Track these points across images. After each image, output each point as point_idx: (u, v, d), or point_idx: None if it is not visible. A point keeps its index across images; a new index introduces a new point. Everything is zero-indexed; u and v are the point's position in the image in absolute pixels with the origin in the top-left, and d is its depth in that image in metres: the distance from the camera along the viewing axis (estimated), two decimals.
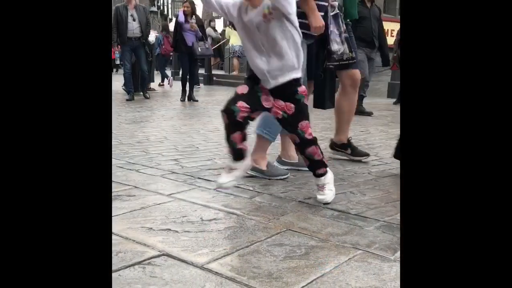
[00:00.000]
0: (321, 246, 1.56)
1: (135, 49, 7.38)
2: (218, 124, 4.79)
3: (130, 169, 2.65)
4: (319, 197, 2.05)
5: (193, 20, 7.19)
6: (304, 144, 2.00)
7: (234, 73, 12.31)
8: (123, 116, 5.33)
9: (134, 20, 7.27)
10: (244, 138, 2.03)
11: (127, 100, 7.23)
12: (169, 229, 1.70)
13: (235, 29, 9.10)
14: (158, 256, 1.46)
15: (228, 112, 1.95)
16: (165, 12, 22.41)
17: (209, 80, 11.82)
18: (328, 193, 2.05)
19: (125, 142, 3.64)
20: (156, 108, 6.36)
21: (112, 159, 2.92)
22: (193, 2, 7.52)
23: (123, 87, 7.77)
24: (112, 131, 4.13)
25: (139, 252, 1.49)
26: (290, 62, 1.88)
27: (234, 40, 11.73)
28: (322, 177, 2.06)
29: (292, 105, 1.93)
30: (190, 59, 7.36)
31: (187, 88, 7.53)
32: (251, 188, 2.28)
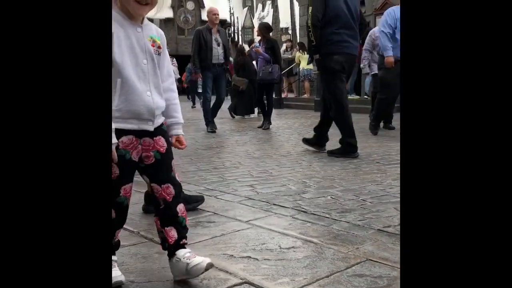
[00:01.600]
0: None
1: (216, 76, 6.63)
2: (291, 148, 4.83)
3: (209, 195, 2.75)
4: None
5: (257, 45, 7.02)
6: (178, 195, 1.54)
7: (305, 96, 12.36)
8: (200, 142, 5.55)
9: (218, 45, 6.54)
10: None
11: (209, 132, 6.50)
12: (249, 257, 1.74)
13: (305, 52, 9.06)
14: (241, 284, 1.50)
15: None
16: (236, 39, 23.21)
17: (279, 104, 11.97)
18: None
19: (203, 168, 3.79)
20: (229, 134, 6.54)
21: (192, 185, 3.06)
22: (263, 27, 7.23)
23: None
24: (190, 157, 4.32)
25: (222, 279, 1.54)
26: None
27: (304, 63, 11.83)
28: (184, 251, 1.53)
29: (163, 140, 1.54)
30: (261, 85, 7.11)
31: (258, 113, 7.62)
32: (327, 216, 2.28)
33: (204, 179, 3.28)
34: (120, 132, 1.41)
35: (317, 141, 4.49)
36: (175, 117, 1.59)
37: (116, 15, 1.41)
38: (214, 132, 6.50)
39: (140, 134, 1.45)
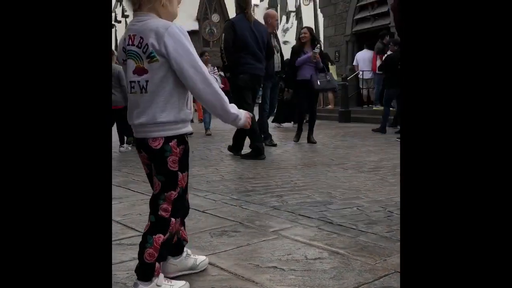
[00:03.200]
0: None
1: (272, 86, 6.15)
2: (316, 158, 4.81)
3: (234, 205, 2.77)
4: None
5: (317, 50, 5.91)
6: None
7: (329, 107, 12.30)
8: (224, 152, 5.58)
9: (277, 51, 6.03)
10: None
11: (267, 145, 5.69)
12: (276, 267, 1.74)
13: (331, 63, 8.75)
14: None
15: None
16: None
17: None
18: None
19: (228, 178, 3.81)
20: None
21: (218, 194, 3.08)
22: (312, 29, 6.43)
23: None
24: (215, 167, 4.35)
25: None
26: None
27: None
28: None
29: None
30: (308, 94, 6.13)
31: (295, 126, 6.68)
32: (354, 227, 2.25)
33: (229, 189, 3.30)
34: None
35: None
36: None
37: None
38: (275, 145, 5.91)
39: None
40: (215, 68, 8.52)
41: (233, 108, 1.48)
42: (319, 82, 6.02)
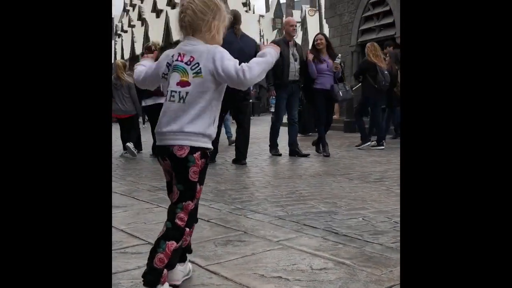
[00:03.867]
0: None
1: (290, 95, 5.86)
2: (320, 169, 4.80)
3: (239, 214, 2.76)
4: None
5: (338, 60, 5.76)
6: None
7: (334, 116, 12.28)
8: (228, 161, 5.58)
9: (296, 60, 5.77)
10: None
11: (273, 155, 5.91)
12: (280, 277, 1.73)
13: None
14: None
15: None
16: None
17: None
18: None
19: (232, 187, 3.80)
20: (257, 154, 6.52)
21: (223, 204, 3.07)
22: (326, 35, 6.33)
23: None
24: (220, 176, 4.35)
25: None
26: None
27: None
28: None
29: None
30: (327, 104, 5.98)
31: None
32: (359, 237, 2.24)
33: (235, 198, 3.29)
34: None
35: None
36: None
37: None
38: (280, 155, 5.93)
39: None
40: None
41: (264, 55, 1.65)
42: (341, 93, 5.87)
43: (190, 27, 1.62)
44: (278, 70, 5.50)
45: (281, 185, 3.87)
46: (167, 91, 1.61)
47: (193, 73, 1.58)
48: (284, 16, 32.47)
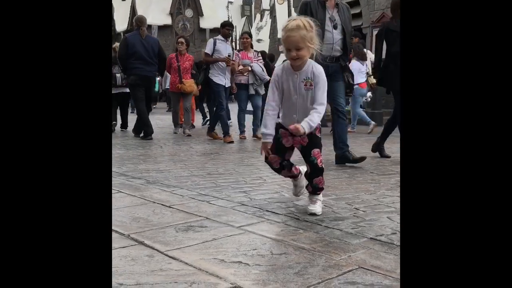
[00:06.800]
0: (395, 286, 1.51)
1: (329, 76, 3.62)
2: None
3: (202, 200, 2.74)
4: (311, 208, 2.45)
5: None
6: (314, 173, 2.48)
7: None
8: (194, 148, 5.54)
9: (335, 27, 4.09)
10: (290, 168, 2.62)
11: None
12: (240, 262, 1.72)
13: None
14: None
15: (268, 163, 2.59)
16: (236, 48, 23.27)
17: None
18: (319, 207, 2.47)
19: (197, 173, 3.77)
20: (220, 142, 6.49)
21: (185, 190, 3.04)
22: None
23: None
24: (184, 163, 4.30)
25: (212, 283, 1.52)
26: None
27: None
28: (317, 195, 2.51)
29: (306, 138, 2.45)
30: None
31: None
32: (320, 223, 2.26)
33: (198, 184, 3.27)
34: (281, 126, 2.48)
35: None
36: (305, 120, 2.33)
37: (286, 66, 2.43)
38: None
39: (291, 134, 2.41)
40: (259, 54, 7.19)
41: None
42: None
43: None
44: None
45: (245, 172, 3.87)
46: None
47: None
48: (253, 3, 32.23)
